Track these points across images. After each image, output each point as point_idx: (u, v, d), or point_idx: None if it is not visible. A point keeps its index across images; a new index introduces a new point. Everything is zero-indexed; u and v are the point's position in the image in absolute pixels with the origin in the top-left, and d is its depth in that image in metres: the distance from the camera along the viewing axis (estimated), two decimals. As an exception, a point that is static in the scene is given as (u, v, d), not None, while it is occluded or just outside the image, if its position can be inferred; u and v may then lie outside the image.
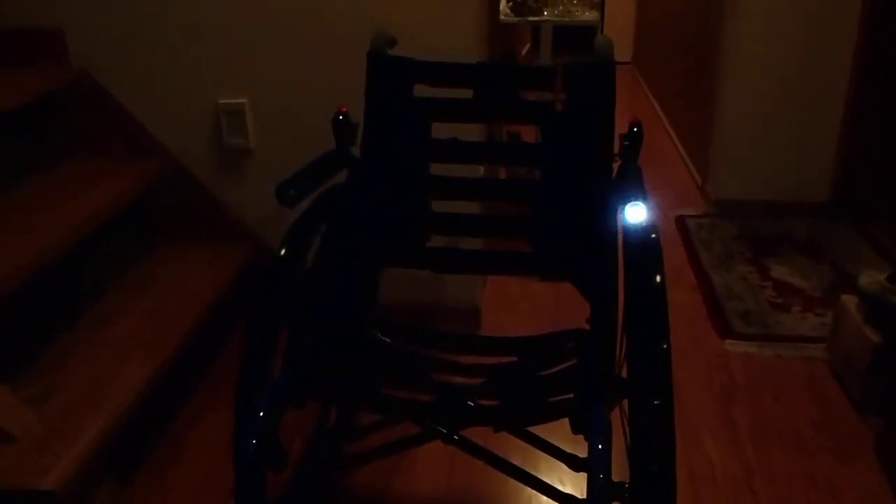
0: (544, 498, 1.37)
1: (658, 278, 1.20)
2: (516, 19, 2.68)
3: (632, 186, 1.22)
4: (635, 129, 1.33)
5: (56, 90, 1.92)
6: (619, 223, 1.28)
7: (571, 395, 1.18)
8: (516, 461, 1.31)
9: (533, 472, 1.31)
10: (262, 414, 1.13)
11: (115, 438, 1.42)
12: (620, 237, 1.26)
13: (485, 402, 1.22)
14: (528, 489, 1.44)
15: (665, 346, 1.17)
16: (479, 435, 1.27)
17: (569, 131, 1.38)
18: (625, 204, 1.17)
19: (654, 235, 1.28)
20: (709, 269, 2.49)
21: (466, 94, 1.44)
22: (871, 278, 1.83)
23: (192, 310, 1.79)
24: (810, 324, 2.18)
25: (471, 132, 1.56)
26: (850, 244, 2.66)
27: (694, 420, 1.81)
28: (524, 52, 3.54)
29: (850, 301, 1.90)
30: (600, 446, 1.00)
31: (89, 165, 1.99)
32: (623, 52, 5.75)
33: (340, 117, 1.43)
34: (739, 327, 2.16)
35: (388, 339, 1.39)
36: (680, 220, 2.90)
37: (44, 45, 1.96)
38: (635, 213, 1.12)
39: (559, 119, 1.38)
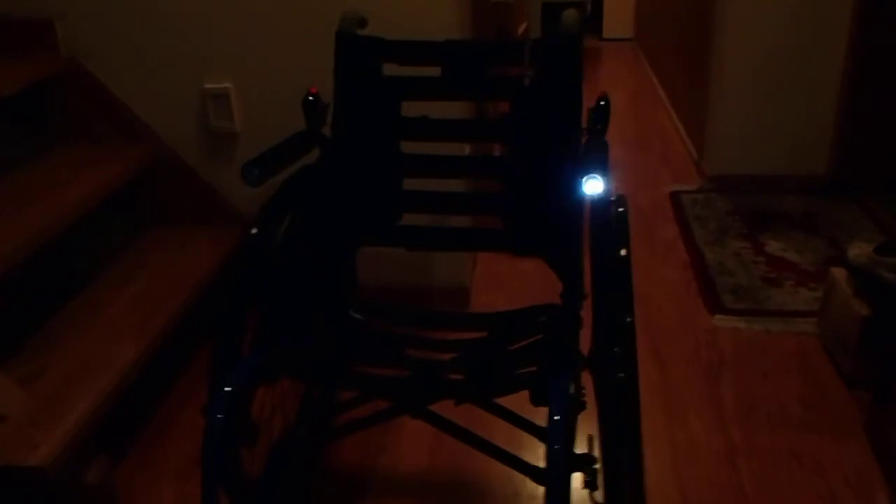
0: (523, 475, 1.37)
1: (623, 252, 1.20)
2: (507, -3, 2.66)
3: (594, 160, 1.21)
4: (602, 103, 1.32)
5: (47, 78, 1.94)
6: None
7: (535, 368, 1.18)
8: (499, 439, 1.32)
9: (512, 451, 1.31)
10: (229, 389, 1.14)
11: (105, 416, 1.45)
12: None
13: (453, 377, 1.23)
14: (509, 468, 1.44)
15: (629, 319, 1.18)
16: (459, 413, 1.29)
17: (537, 106, 1.37)
18: (586, 178, 1.17)
19: (621, 209, 1.28)
20: (702, 245, 2.48)
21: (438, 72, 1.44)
22: (859, 250, 1.80)
23: (183, 291, 1.80)
24: (803, 298, 2.16)
25: (458, 111, 1.56)
26: (848, 219, 2.62)
27: (679, 396, 1.81)
28: (521, 30, 3.51)
29: (840, 274, 1.88)
30: (557, 417, 1.00)
31: (81, 151, 2.01)
32: (625, 28, 5.69)
33: (311, 98, 1.43)
34: (729, 302, 2.15)
35: (361, 317, 1.40)
36: (675, 196, 2.88)
37: (34, 34, 1.98)
38: (593, 187, 1.12)
39: (527, 94, 1.38)
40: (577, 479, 1.10)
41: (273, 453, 1.44)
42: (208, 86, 2.00)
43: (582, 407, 1.22)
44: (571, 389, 1.08)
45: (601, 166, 1.18)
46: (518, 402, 1.23)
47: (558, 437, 0.99)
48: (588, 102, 1.37)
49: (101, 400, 1.44)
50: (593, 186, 1.10)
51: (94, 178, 1.85)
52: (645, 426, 1.65)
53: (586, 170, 1.17)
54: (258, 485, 1.36)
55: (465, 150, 1.86)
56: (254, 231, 1.28)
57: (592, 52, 5.56)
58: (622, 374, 1.15)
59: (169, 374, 1.92)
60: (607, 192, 1.20)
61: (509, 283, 2.31)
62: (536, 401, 1.09)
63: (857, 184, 2.78)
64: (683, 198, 2.86)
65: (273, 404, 1.53)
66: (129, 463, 1.65)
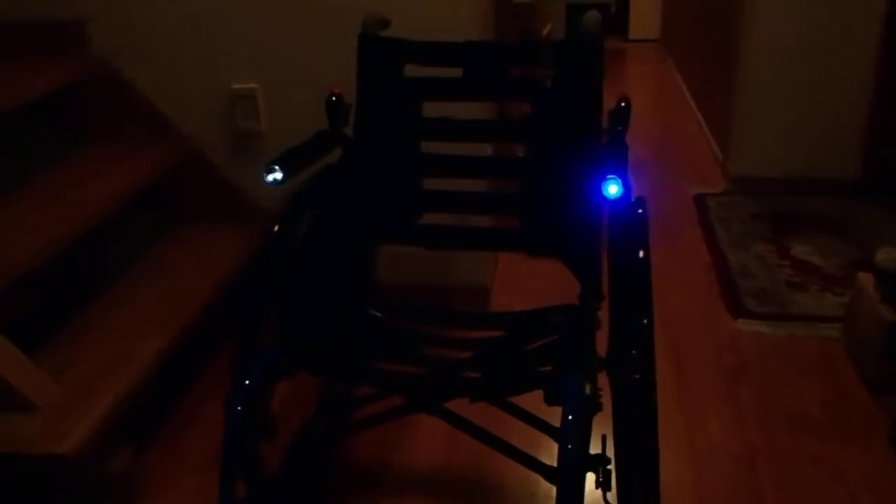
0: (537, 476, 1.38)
1: (641, 253, 1.20)
2: (531, -1, 2.67)
3: (613, 162, 1.21)
4: (623, 105, 1.32)
5: (79, 79, 1.99)
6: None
7: (550, 368, 1.19)
8: (515, 440, 1.33)
9: (528, 451, 1.32)
10: (249, 383, 1.16)
11: (130, 407, 1.49)
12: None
13: (469, 375, 1.24)
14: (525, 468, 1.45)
15: (645, 321, 1.18)
16: (475, 412, 1.29)
17: (556, 107, 1.38)
18: (604, 179, 1.17)
19: (640, 210, 1.28)
20: (725, 248, 2.46)
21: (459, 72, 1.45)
22: (887, 254, 1.79)
23: (207, 287, 1.84)
24: (828, 303, 2.14)
25: (480, 111, 1.57)
26: (878, 222, 2.59)
27: (698, 399, 1.80)
28: (546, 32, 3.51)
29: (867, 279, 1.86)
30: (571, 417, 1.01)
31: (111, 150, 2.06)
32: (651, 29, 5.66)
33: (333, 98, 1.45)
34: (752, 306, 2.13)
35: (380, 314, 1.41)
36: (699, 199, 2.86)
37: (67, 36, 2.03)
38: (612, 189, 1.12)
39: (547, 95, 1.38)
40: (591, 479, 1.11)
41: (291, 447, 1.46)
42: (235, 86, 2.04)
43: (598, 408, 1.22)
44: (587, 390, 1.09)
45: (620, 168, 1.19)
46: (535, 402, 1.24)
47: (571, 437, 0.99)
48: (612, 104, 1.37)
49: (127, 392, 1.48)
50: (612, 189, 1.10)
51: (123, 176, 1.90)
52: (663, 428, 1.63)
53: (605, 171, 1.17)
54: (276, 478, 1.38)
55: (487, 150, 1.87)
56: (275, 228, 1.31)
57: (618, 54, 5.54)
58: (637, 376, 1.15)
59: (194, 369, 1.96)
60: (627, 194, 1.20)
61: (530, 283, 2.31)
62: (550, 400, 1.10)
63: (887, 186, 2.74)
64: (708, 200, 2.84)
65: (292, 399, 1.55)
66: (152, 454, 1.68)
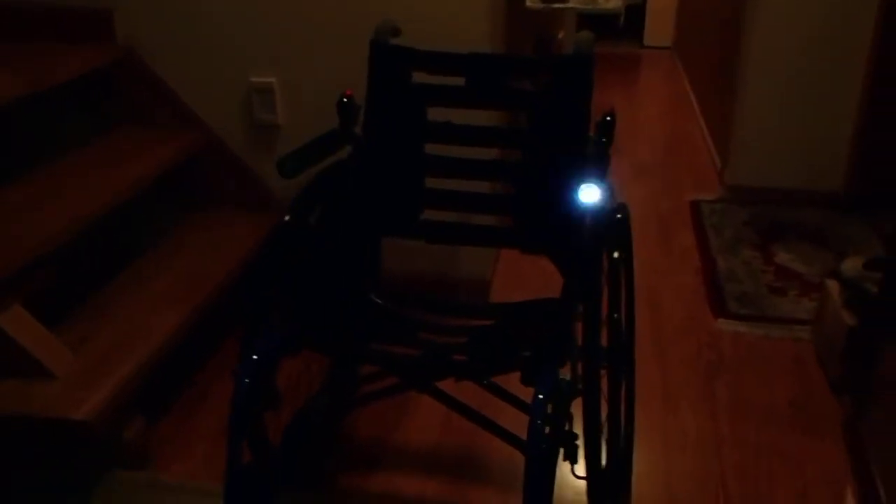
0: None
1: (615, 254, 1.33)
2: (541, 6, 2.78)
3: (593, 171, 1.34)
4: (608, 118, 1.44)
5: (105, 66, 2.09)
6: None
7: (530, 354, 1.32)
8: (505, 422, 1.46)
9: (515, 432, 1.44)
10: (256, 357, 1.29)
11: (146, 379, 1.60)
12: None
13: (457, 358, 1.37)
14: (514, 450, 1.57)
15: (615, 315, 1.31)
16: (470, 395, 1.41)
17: (549, 118, 1.50)
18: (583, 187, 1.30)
19: (619, 216, 1.41)
20: (715, 253, 2.58)
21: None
22: (851, 264, 1.92)
23: (222, 269, 1.95)
24: (804, 308, 2.26)
25: (485, 118, 1.69)
26: (858, 234, 2.71)
27: (676, 392, 1.93)
28: (560, 36, 3.63)
29: (833, 286, 1.98)
30: (541, 396, 1.14)
31: (135, 135, 2.16)
32: (666, 37, 5.74)
33: (345, 99, 1.57)
34: (734, 308, 2.26)
35: (380, 301, 1.54)
36: (694, 205, 2.98)
37: (94, 24, 2.13)
38: (589, 195, 1.25)
39: (540, 106, 1.51)
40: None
41: (293, 419, 1.59)
42: (253, 79, 2.15)
43: (577, 394, 1.35)
44: (563, 375, 1.22)
45: (600, 177, 1.32)
46: (524, 386, 1.37)
47: (540, 414, 1.12)
48: (627, 108, 1.48)
49: (141, 365, 1.59)
50: (587, 195, 1.23)
51: (146, 160, 2.00)
52: (641, 417, 1.78)
53: (585, 180, 1.30)
54: (279, 448, 1.52)
55: (492, 154, 1.99)
56: (286, 218, 1.44)
57: (632, 59, 5.63)
58: (606, 364, 1.29)
59: (209, 347, 2.08)
60: (605, 201, 1.33)
61: (531, 279, 2.43)
62: (525, 381, 1.23)
63: (870, 199, 2.86)
64: (703, 206, 2.96)
65: (299, 376, 1.68)
66: (165, 425, 1.80)
